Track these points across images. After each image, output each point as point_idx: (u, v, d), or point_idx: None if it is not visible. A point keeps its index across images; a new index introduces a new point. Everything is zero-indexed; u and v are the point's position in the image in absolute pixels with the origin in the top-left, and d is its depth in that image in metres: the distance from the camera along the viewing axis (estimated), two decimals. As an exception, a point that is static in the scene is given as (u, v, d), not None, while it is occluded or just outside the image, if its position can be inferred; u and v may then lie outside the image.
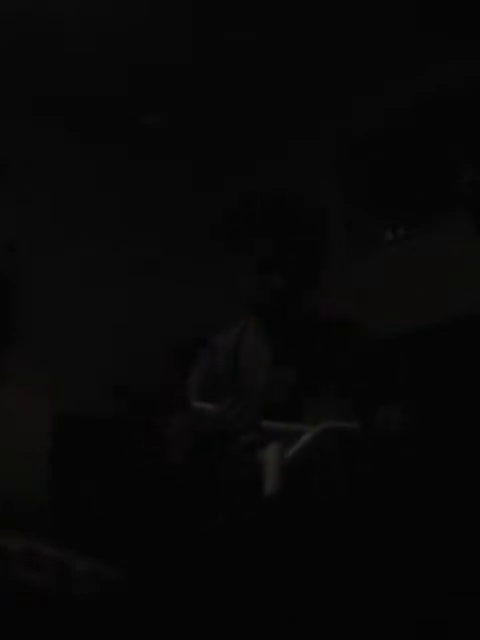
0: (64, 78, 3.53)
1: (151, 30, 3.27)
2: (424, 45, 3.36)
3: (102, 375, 3.43)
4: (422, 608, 1.22)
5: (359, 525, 1.32)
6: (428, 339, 3.07)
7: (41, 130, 3.69)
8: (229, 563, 1.28)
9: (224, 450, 1.59)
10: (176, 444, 1.65)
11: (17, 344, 3.42)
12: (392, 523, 1.33)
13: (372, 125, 3.74)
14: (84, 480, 2.97)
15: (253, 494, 1.46)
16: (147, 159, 4.02)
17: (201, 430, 1.61)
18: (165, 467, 1.67)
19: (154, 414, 1.71)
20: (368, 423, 1.61)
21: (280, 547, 1.29)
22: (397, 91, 3.58)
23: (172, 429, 1.69)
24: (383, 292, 3.41)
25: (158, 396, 1.66)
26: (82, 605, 1.18)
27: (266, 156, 3.92)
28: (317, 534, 1.31)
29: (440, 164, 3.52)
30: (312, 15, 3.20)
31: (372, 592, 1.24)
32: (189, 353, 2.01)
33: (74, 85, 3.58)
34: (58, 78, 3.53)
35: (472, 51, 3.28)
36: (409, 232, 3.60)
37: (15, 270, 3.52)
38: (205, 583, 1.27)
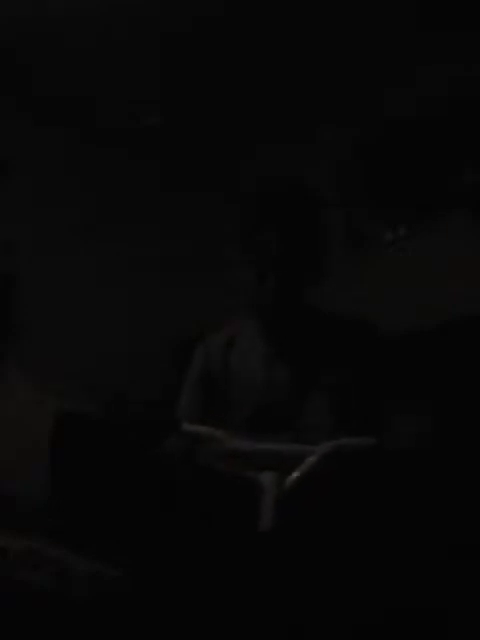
0: (64, 78, 3.54)
1: (151, 29, 3.28)
2: (425, 46, 3.36)
3: (102, 375, 3.42)
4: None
5: (367, 571, 1.21)
6: (428, 339, 3.07)
7: (41, 130, 3.69)
8: (228, 573, 1.27)
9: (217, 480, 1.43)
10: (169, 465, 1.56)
11: (17, 344, 3.41)
12: (409, 568, 1.22)
13: (371, 125, 3.74)
14: (84, 480, 2.96)
15: (248, 527, 1.32)
16: (146, 159, 4.01)
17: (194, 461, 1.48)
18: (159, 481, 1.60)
19: (146, 433, 1.65)
20: (380, 438, 1.47)
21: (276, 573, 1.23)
22: (397, 91, 3.58)
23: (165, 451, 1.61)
24: (383, 292, 3.40)
25: (150, 413, 1.60)
26: (82, 605, 1.17)
27: (265, 156, 3.91)
28: (313, 576, 1.23)
29: (440, 164, 3.51)
30: (313, 15, 3.19)
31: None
32: (187, 353, 2.00)
33: (74, 85, 3.59)
34: (58, 78, 3.53)
35: (472, 52, 3.28)
36: (409, 232, 3.60)
37: (15, 270, 3.51)
38: (204, 584, 1.27)
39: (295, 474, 1.33)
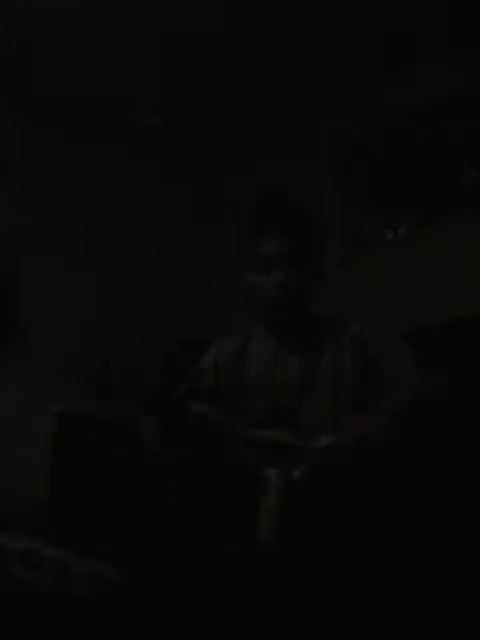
0: (64, 78, 3.54)
1: (151, 29, 3.28)
2: (425, 46, 3.36)
3: (102, 375, 3.42)
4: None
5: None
6: (428, 339, 3.06)
7: (41, 130, 3.69)
8: (228, 571, 1.27)
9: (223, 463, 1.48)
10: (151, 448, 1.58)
11: (17, 344, 3.41)
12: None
13: (371, 125, 3.74)
14: (84, 480, 2.97)
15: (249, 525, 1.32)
16: (146, 159, 4.01)
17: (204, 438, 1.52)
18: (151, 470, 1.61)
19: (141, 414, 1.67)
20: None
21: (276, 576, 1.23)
22: (397, 91, 3.58)
23: (147, 432, 1.63)
24: (383, 292, 3.40)
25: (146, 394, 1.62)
26: (81, 605, 1.18)
27: (265, 156, 3.91)
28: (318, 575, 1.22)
29: (441, 164, 3.51)
30: (313, 15, 3.19)
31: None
32: (187, 353, 2.01)
33: (74, 85, 3.59)
34: (58, 78, 3.53)
35: (472, 52, 3.29)
36: (409, 232, 3.60)
37: (15, 269, 3.52)
38: (204, 583, 1.27)
39: (298, 471, 1.34)
